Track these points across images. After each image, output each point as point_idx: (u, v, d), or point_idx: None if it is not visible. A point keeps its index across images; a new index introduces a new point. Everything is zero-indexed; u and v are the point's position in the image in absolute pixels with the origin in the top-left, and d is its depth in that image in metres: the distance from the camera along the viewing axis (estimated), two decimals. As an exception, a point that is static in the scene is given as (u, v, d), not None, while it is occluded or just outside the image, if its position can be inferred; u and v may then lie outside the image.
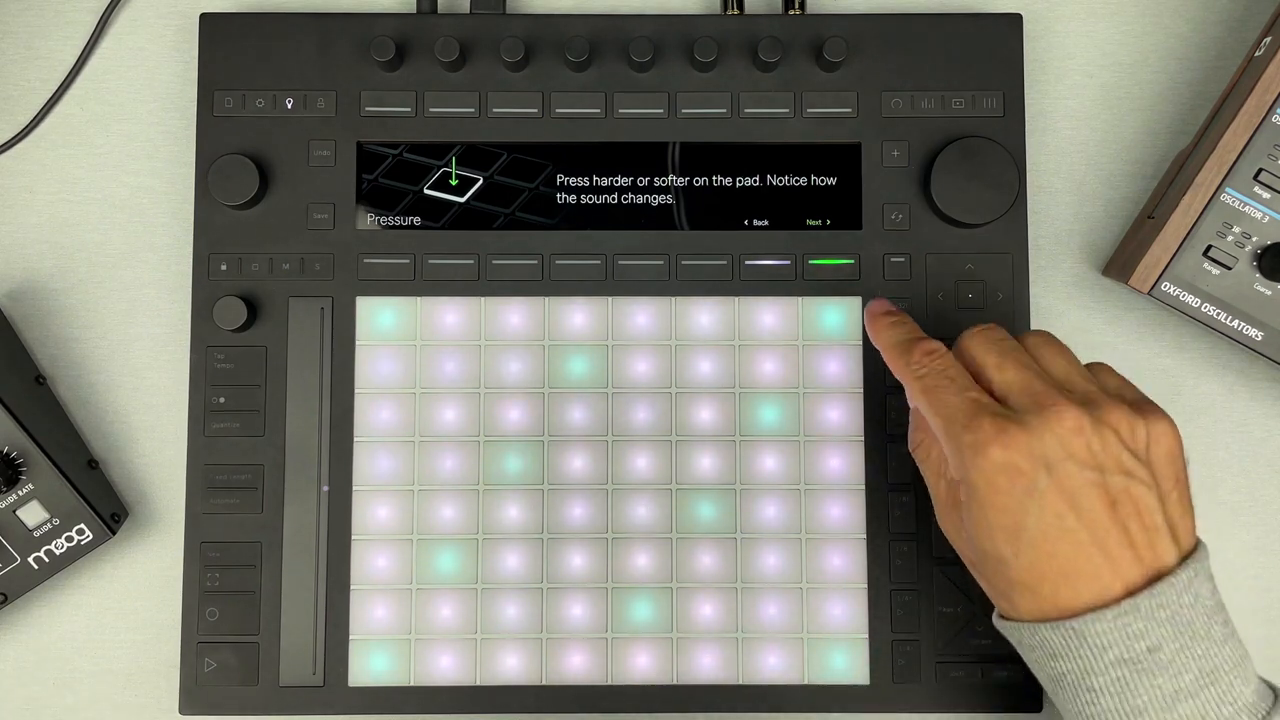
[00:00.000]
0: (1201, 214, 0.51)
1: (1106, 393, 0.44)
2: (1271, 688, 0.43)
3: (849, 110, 0.54)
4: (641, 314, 0.54)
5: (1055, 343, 0.46)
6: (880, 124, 0.54)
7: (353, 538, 0.53)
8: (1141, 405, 0.44)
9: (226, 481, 0.53)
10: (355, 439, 0.53)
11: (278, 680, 0.52)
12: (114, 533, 0.53)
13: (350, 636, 0.52)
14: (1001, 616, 0.45)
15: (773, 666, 0.52)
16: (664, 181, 0.54)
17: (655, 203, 0.54)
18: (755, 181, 0.54)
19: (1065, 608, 0.41)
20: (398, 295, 0.54)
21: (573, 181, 0.54)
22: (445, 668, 0.52)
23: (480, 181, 0.54)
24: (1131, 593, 0.41)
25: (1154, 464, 0.43)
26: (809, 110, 0.54)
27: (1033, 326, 0.55)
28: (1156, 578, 0.41)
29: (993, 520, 0.42)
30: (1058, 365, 0.45)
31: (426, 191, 0.54)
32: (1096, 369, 0.46)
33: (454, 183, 0.54)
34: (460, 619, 0.52)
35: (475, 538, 0.53)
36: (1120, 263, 0.54)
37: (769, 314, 0.54)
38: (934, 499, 0.48)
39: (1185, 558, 0.42)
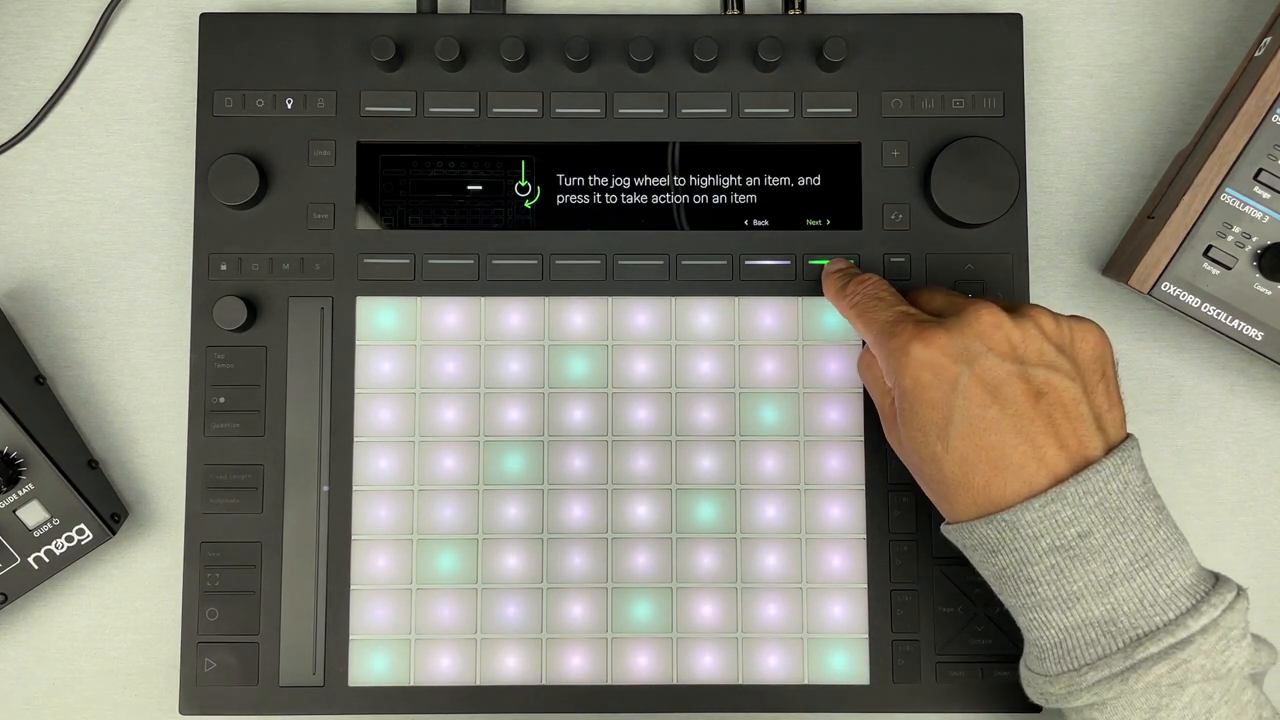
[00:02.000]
0: (1201, 214, 0.51)
1: (1033, 310, 0.45)
2: (1214, 574, 0.43)
3: (849, 110, 0.54)
4: (641, 314, 0.54)
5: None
6: (880, 124, 0.54)
7: (353, 538, 0.53)
8: (1069, 316, 0.45)
9: (226, 481, 0.53)
10: (355, 439, 0.53)
11: (278, 680, 0.52)
12: (114, 533, 0.53)
13: (350, 636, 0.52)
14: (945, 524, 0.46)
15: (773, 666, 0.52)
16: (664, 181, 0.54)
17: (655, 203, 0.54)
18: (755, 181, 0.54)
19: (997, 500, 0.42)
20: (398, 295, 0.54)
21: (573, 181, 0.54)
22: (445, 668, 0.52)
23: (480, 182, 0.54)
24: (1058, 482, 0.42)
25: (1078, 359, 0.44)
26: (809, 110, 0.54)
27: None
28: (1084, 467, 0.42)
29: (923, 418, 0.44)
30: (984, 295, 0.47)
31: (426, 192, 0.54)
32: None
33: (470, 188, 0.54)
34: (460, 619, 0.52)
35: (475, 538, 0.53)
36: (1120, 263, 0.54)
37: (769, 314, 0.54)
38: (881, 417, 0.49)
39: (1112, 449, 0.43)
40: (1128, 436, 0.44)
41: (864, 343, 0.52)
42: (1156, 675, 0.40)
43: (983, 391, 0.42)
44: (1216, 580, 0.43)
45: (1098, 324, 0.45)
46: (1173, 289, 0.52)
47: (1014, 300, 0.53)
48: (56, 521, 0.52)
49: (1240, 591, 0.42)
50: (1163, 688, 0.41)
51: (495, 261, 0.54)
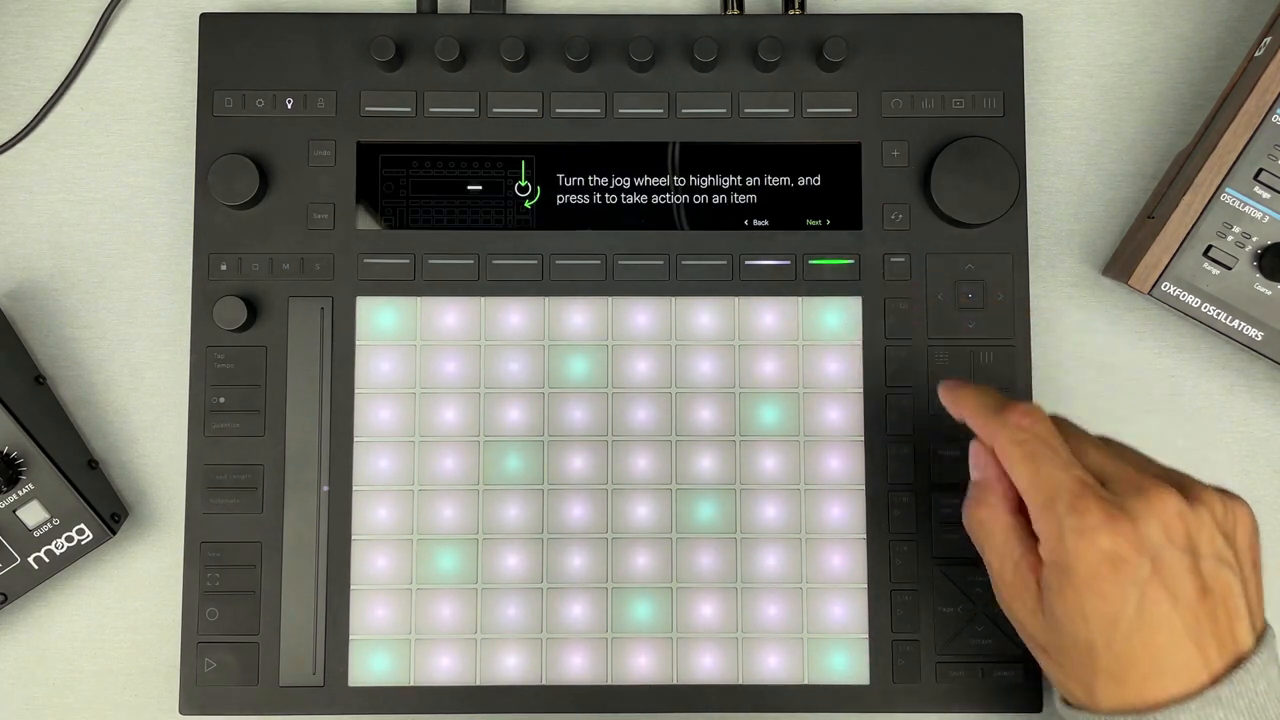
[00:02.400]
0: (1201, 214, 0.51)
1: (1171, 474, 0.43)
2: None
3: (849, 110, 0.54)
4: (641, 314, 0.54)
5: (1109, 439, 0.45)
6: (880, 124, 0.54)
7: (353, 538, 0.53)
8: (1218, 488, 0.43)
9: (226, 481, 0.53)
10: (355, 439, 0.53)
11: (278, 680, 0.52)
12: (114, 533, 0.53)
13: (350, 636, 0.52)
14: (1068, 704, 0.44)
15: (773, 666, 0.52)
16: (664, 181, 0.54)
17: (655, 203, 0.54)
18: (755, 181, 0.54)
19: (1150, 699, 0.41)
20: (398, 295, 0.54)
21: (573, 181, 0.54)
22: (445, 668, 0.52)
23: (480, 182, 0.54)
24: (1215, 681, 0.40)
25: (1238, 547, 0.42)
26: (809, 110, 0.54)
27: (1033, 326, 0.55)
28: (1236, 664, 0.41)
29: (1089, 608, 0.41)
30: (1124, 452, 0.44)
31: (426, 192, 0.54)
32: (1126, 449, 0.45)
33: (472, 188, 0.54)
34: (460, 619, 0.52)
35: (475, 538, 0.53)
36: (1120, 263, 0.54)
37: (769, 314, 0.54)
38: (997, 579, 0.45)
39: (1259, 638, 0.42)
40: (1267, 628, 0.43)
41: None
42: None
43: (1161, 589, 0.40)
44: None
45: (1247, 503, 0.43)
46: (1173, 289, 0.52)
47: (1013, 299, 0.51)
48: (56, 521, 0.52)
49: None
50: None
51: (495, 261, 0.54)
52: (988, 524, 0.45)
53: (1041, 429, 0.43)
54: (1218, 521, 0.42)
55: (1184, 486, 0.42)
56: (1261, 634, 0.42)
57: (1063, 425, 0.45)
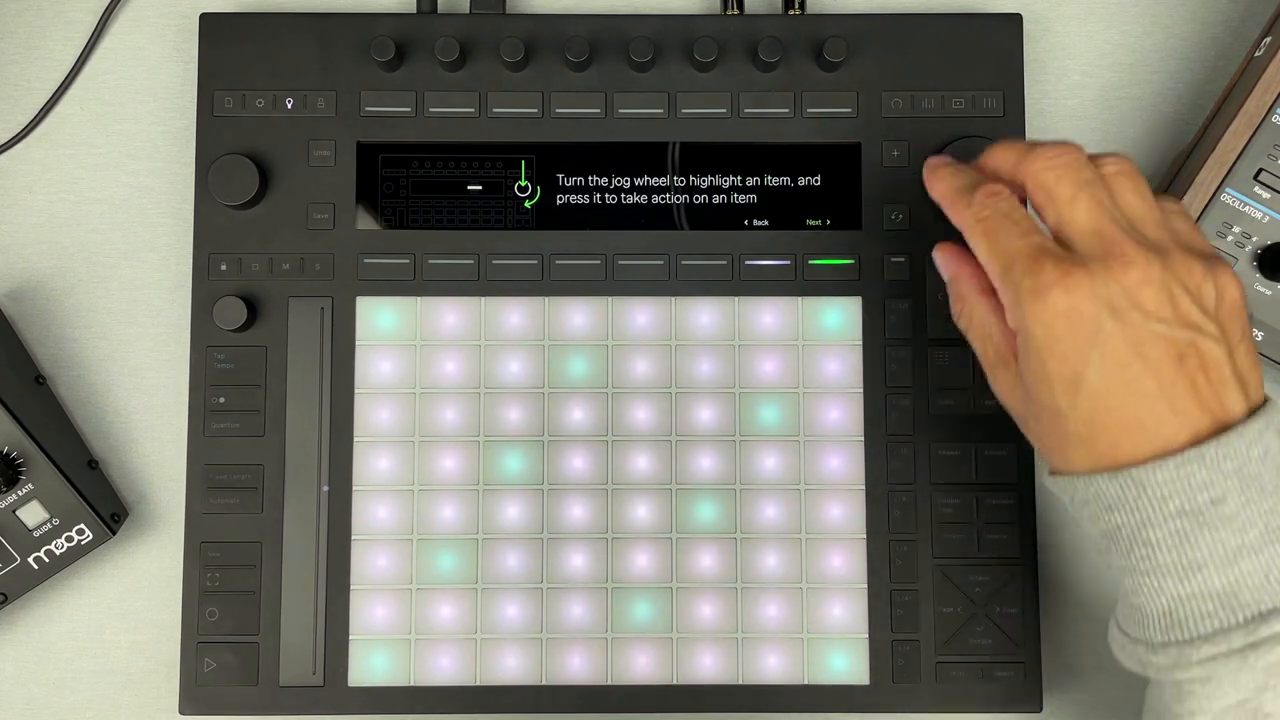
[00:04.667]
0: (1201, 214, 0.51)
1: (1177, 240, 0.42)
2: None
3: (849, 110, 0.54)
4: (641, 314, 0.54)
5: (1131, 175, 0.43)
6: (880, 124, 0.54)
7: (353, 538, 0.53)
8: (1208, 256, 0.42)
9: (226, 481, 0.53)
10: (355, 439, 0.53)
11: (278, 680, 0.52)
12: (114, 533, 0.53)
13: (350, 636, 0.52)
14: (1052, 473, 0.43)
15: (773, 667, 0.52)
16: (664, 181, 0.54)
17: (655, 203, 0.54)
18: (755, 181, 0.54)
19: (1123, 459, 0.40)
20: (398, 295, 0.54)
21: (573, 181, 0.54)
22: (445, 668, 0.52)
23: (480, 182, 0.54)
24: (1198, 441, 0.39)
25: (1221, 317, 0.41)
26: (809, 110, 0.54)
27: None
28: (1223, 430, 0.39)
29: (1051, 370, 0.40)
30: (1132, 204, 0.42)
31: (426, 192, 0.54)
32: (1168, 209, 0.44)
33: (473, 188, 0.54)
34: (460, 619, 0.52)
35: (475, 538, 0.53)
36: (1120, 263, 0.54)
37: (769, 314, 0.54)
38: (983, 362, 0.46)
39: (1254, 411, 0.40)
40: (1268, 400, 0.41)
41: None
42: (1279, 655, 0.38)
43: (1125, 349, 0.39)
44: None
45: (1235, 272, 0.42)
46: (1173, 289, 0.52)
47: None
48: (56, 521, 0.52)
49: None
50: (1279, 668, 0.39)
51: (495, 261, 0.54)
52: (965, 313, 0.46)
53: (1004, 204, 0.43)
54: (1191, 292, 0.40)
55: (1162, 252, 0.41)
56: (1259, 406, 0.41)
57: (1059, 172, 0.42)
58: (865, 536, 0.53)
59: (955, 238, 0.46)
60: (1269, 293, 0.51)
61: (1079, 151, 0.43)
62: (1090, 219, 0.41)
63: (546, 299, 0.54)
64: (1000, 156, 0.45)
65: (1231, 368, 0.40)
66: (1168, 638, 0.40)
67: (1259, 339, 0.51)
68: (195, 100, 0.56)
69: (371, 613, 0.52)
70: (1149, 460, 0.39)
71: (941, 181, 0.46)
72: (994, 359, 0.45)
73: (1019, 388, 0.43)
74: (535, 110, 0.54)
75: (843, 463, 0.53)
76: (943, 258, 0.48)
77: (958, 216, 0.45)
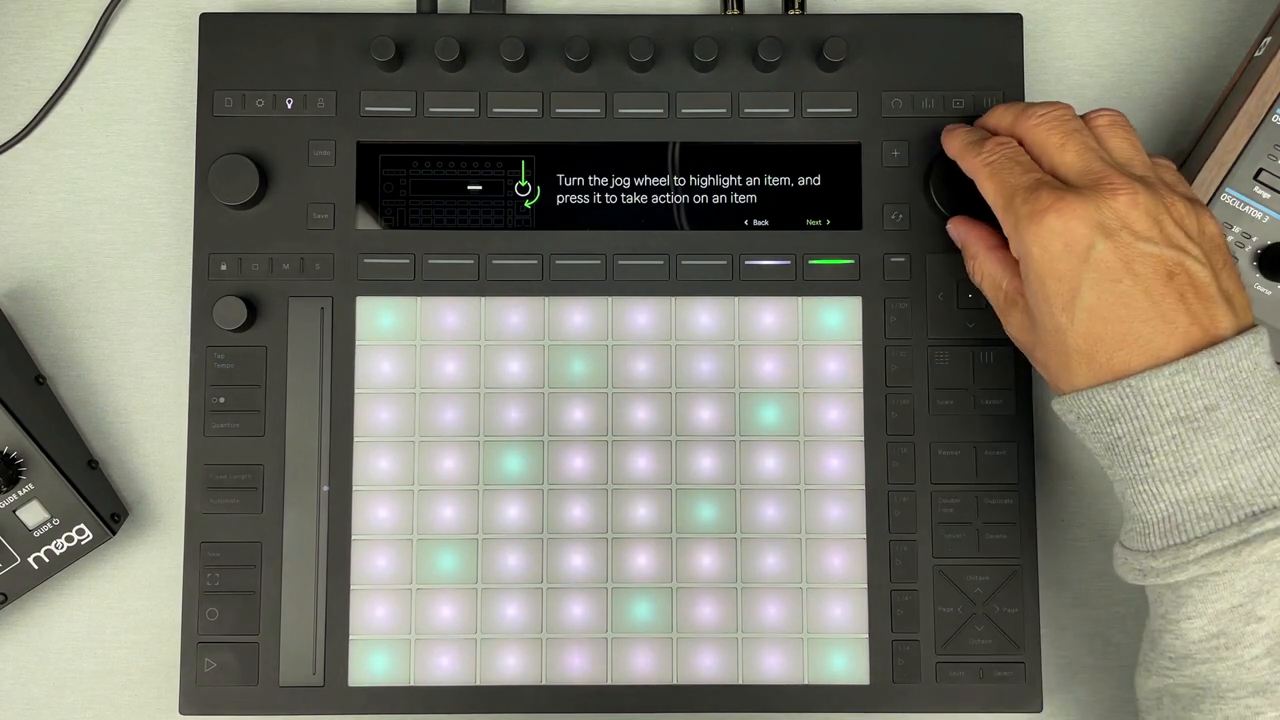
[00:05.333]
0: (1201, 214, 0.51)
1: (1163, 180, 0.45)
2: None
3: (849, 110, 0.54)
4: (641, 314, 0.54)
5: (1121, 125, 0.47)
6: (880, 124, 0.54)
7: (353, 538, 0.53)
8: (1191, 198, 0.45)
9: (226, 481, 0.53)
10: (355, 439, 0.53)
11: (278, 680, 0.52)
12: (114, 533, 0.53)
13: (350, 636, 0.52)
14: (1059, 396, 0.46)
15: (773, 667, 0.52)
16: (664, 181, 0.54)
17: (655, 203, 0.54)
18: (755, 181, 0.54)
19: (1120, 370, 0.43)
20: (398, 295, 0.54)
21: (573, 181, 0.54)
22: (445, 668, 0.52)
23: (480, 182, 0.54)
24: (1190, 352, 0.42)
25: (1204, 245, 0.44)
26: (809, 110, 0.54)
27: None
28: (1214, 343, 0.42)
29: (1050, 289, 0.43)
30: (1121, 149, 0.46)
31: (426, 192, 0.54)
32: (1159, 163, 0.47)
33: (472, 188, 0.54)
34: (460, 619, 0.52)
35: (475, 538, 0.53)
36: (1120, 263, 0.54)
37: (769, 314, 0.54)
38: (995, 308, 0.49)
39: (1242, 331, 0.43)
40: (1256, 323, 0.44)
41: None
42: (1271, 550, 0.40)
43: (1117, 265, 0.42)
44: None
45: (1214, 215, 0.45)
46: (1173, 289, 0.52)
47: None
48: (56, 521, 0.52)
49: None
50: (1271, 567, 0.41)
51: (495, 261, 0.54)
52: (977, 269, 0.50)
53: (1009, 150, 0.47)
54: (1176, 219, 0.43)
55: (1149, 184, 0.44)
56: (1247, 327, 0.43)
57: (1048, 124, 0.47)
58: (865, 536, 0.53)
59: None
60: (1269, 293, 0.51)
61: (1068, 108, 0.47)
62: (1080, 159, 0.45)
63: (546, 299, 0.54)
64: (999, 115, 0.49)
65: (1218, 287, 0.43)
66: (1166, 541, 0.42)
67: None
68: (195, 100, 0.56)
69: (371, 613, 0.52)
70: (1145, 370, 0.42)
71: (956, 140, 0.51)
72: (1004, 303, 0.49)
73: (1027, 321, 0.47)
74: (535, 110, 0.54)
75: (843, 463, 0.53)
76: (955, 226, 0.52)
77: (969, 164, 0.49)
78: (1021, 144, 0.48)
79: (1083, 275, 0.43)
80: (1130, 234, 0.43)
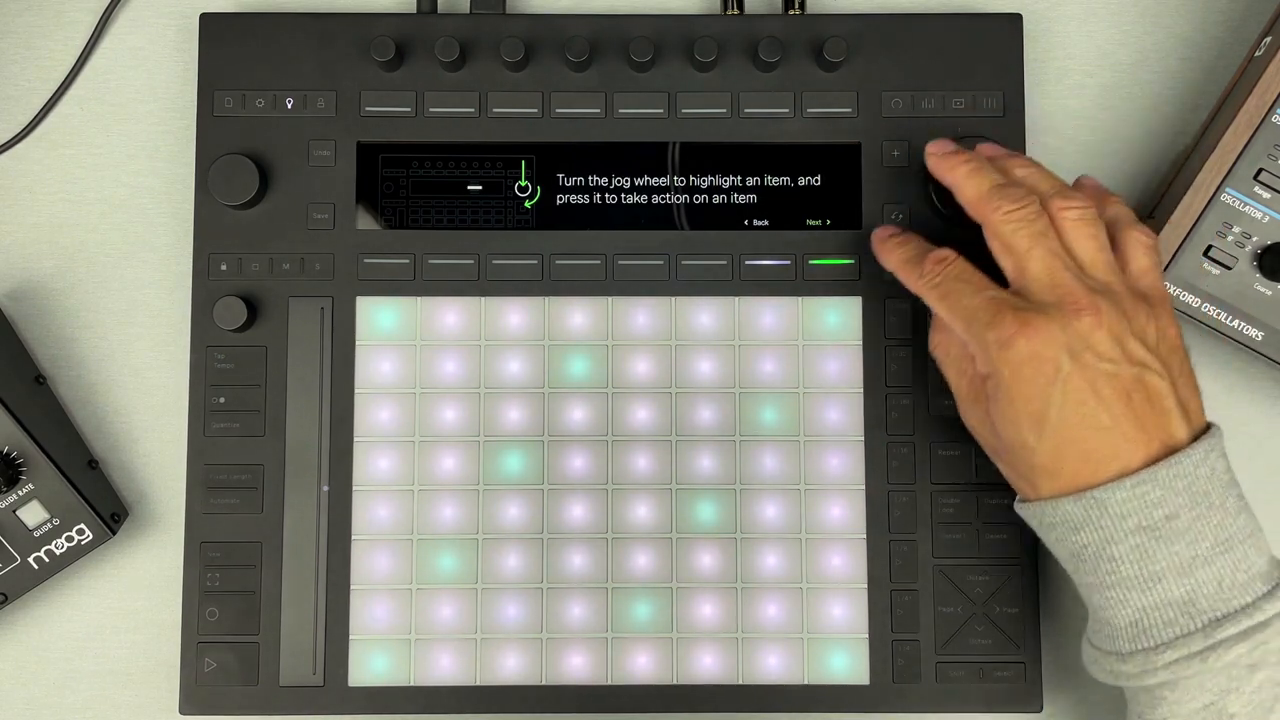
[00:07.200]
0: (1201, 214, 0.51)
1: (1126, 283, 0.46)
2: None
3: (849, 110, 0.54)
4: (641, 314, 0.54)
5: (1088, 222, 0.46)
6: (880, 124, 0.54)
7: (353, 538, 0.53)
8: (1153, 299, 0.46)
9: (226, 481, 0.53)
10: (355, 439, 0.53)
11: (278, 680, 0.52)
12: (114, 533, 0.53)
13: (350, 636, 0.52)
14: (1023, 501, 0.47)
15: (773, 666, 0.52)
16: (664, 181, 0.54)
17: (655, 203, 0.54)
18: (755, 181, 0.54)
19: (1085, 483, 0.44)
20: (398, 295, 0.54)
21: (573, 181, 0.54)
22: (445, 668, 0.52)
23: (480, 182, 0.54)
24: (1150, 464, 0.43)
25: (1162, 354, 0.45)
26: (809, 110, 0.54)
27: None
28: (1172, 452, 0.43)
29: (1019, 409, 0.44)
30: (1086, 250, 0.46)
31: (426, 192, 0.54)
32: (1138, 242, 0.47)
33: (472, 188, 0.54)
34: (460, 619, 0.52)
35: (475, 538, 0.53)
36: (1120, 263, 0.54)
37: (769, 314, 0.54)
38: (956, 395, 0.49)
39: (1198, 436, 0.44)
40: (1210, 426, 0.45)
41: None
42: (1236, 655, 0.42)
43: (1083, 385, 0.43)
44: None
45: (1174, 314, 0.46)
46: (1173, 289, 0.52)
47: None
48: (56, 521, 0.52)
49: None
50: (1237, 670, 0.42)
51: (495, 261, 0.54)
52: (943, 346, 0.49)
53: (953, 269, 0.47)
54: (1135, 333, 0.44)
55: (1110, 296, 0.44)
56: (1202, 431, 0.45)
57: (1015, 225, 0.46)
58: (865, 536, 0.53)
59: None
60: (1269, 293, 0.51)
61: (1034, 202, 0.46)
62: (1045, 269, 0.45)
63: (546, 299, 0.54)
64: (971, 183, 0.47)
65: (1175, 398, 0.44)
66: (1135, 646, 0.44)
67: (1259, 339, 0.51)
68: (195, 100, 0.56)
69: (372, 613, 0.52)
70: (1108, 482, 0.43)
71: (891, 255, 0.50)
72: (968, 393, 0.48)
73: (989, 422, 0.47)
74: (535, 110, 0.54)
75: (843, 463, 0.53)
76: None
77: (912, 285, 0.49)
78: (984, 226, 0.47)
79: (1050, 396, 0.43)
80: (1094, 355, 0.43)
